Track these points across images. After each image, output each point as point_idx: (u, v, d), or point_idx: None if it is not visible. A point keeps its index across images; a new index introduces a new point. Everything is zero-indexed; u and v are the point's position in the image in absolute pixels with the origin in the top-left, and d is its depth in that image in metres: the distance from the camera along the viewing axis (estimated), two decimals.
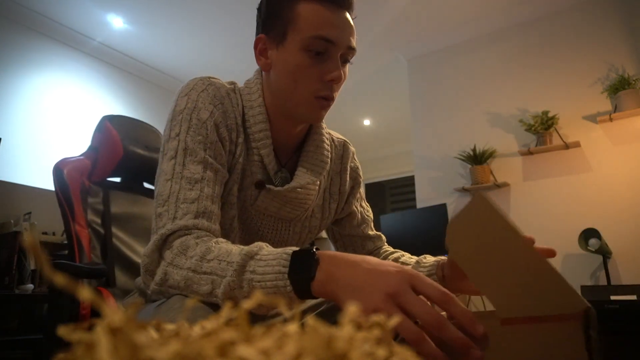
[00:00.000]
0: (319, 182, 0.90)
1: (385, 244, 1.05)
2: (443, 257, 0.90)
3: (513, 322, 0.47)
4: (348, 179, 0.98)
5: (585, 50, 3.16)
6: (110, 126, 1.19)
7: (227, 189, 0.80)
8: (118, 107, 4.06)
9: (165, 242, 0.66)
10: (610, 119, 2.90)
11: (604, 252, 2.70)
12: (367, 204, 1.07)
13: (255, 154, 0.81)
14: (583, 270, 2.92)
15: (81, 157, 1.17)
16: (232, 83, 0.85)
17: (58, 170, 1.10)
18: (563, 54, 3.24)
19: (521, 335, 0.46)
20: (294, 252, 0.57)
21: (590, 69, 3.12)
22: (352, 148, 1.01)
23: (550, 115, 3.08)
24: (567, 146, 3.05)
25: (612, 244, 2.76)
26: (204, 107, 0.76)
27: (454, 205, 3.46)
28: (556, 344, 0.45)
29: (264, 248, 0.60)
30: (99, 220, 1.14)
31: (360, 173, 1.03)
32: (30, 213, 2.91)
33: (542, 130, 3.09)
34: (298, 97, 0.79)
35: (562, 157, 3.11)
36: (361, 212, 1.03)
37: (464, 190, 3.39)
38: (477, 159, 3.30)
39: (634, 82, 2.87)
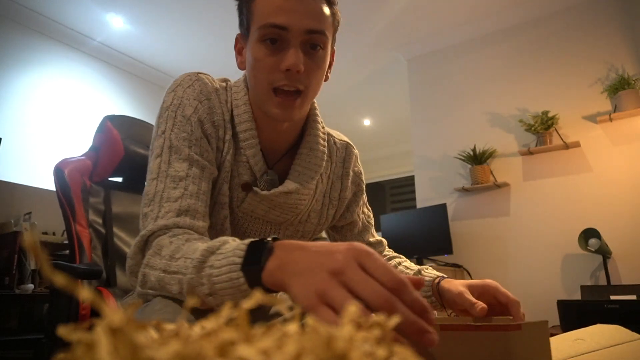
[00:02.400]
0: (313, 187, 0.86)
1: (387, 248, 1.02)
2: (444, 276, 0.84)
3: (450, 328, 0.49)
4: (350, 184, 0.94)
5: (585, 50, 3.16)
6: (111, 126, 1.19)
7: (217, 189, 0.78)
8: (118, 107, 4.06)
9: (146, 243, 0.65)
10: (610, 119, 2.90)
11: (604, 252, 2.71)
12: (369, 208, 1.03)
13: (242, 154, 0.79)
14: (583, 270, 2.92)
15: (82, 158, 1.17)
16: (225, 80, 0.83)
17: (59, 171, 1.10)
18: (563, 54, 3.24)
19: (457, 340, 0.49)
20: (251, 242, 0.52)
21: (590, 69, 3.12)
22: (355, 151, 0.97)
23: (550, 115, 3.08)
24: (567, 146, 3.05)
25: (612, 244, 2.76)
26: (188, 103, 0.75)
27: (454, 205, 3.46)
28: (483, 349, 0.48)
29: (228, 242, 0.55)
30: (100, 220, 1.14)
31: (363, 178, 0.99)
32: (30, 213, 2.91)
33: (542, 130, 3.09)
34: (259, 90, 0.75)
35: (562, 157, 3.11)
36: (362, 220, 0.99)
37: (464, 190, 3.39)
38: (477, 158, 3.30)
39: (633, 82, 2.86)
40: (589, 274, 2.91)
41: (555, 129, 3.11)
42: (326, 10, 0.75)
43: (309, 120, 0.86)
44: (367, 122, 5.67)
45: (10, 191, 2.99)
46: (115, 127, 1.20)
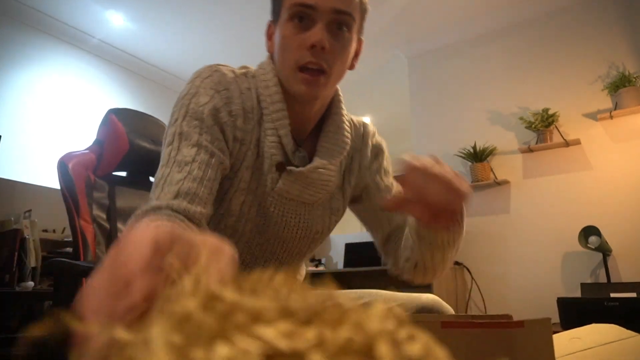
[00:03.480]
0: (339, 163, 0.87)
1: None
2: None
3: (452, 325, 0.49)
4: (369, 154, 0.93)
5: (586, 47, 3.16)
6: (116, 119, 1.18)
7: (239, 178, 0.77)
8: (118, 104, 4.05)
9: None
10: (611, 117, 2.90)
11: (604, 250, 2.71)
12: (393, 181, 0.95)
13: (271, 134, 0.78)
14: (583, 268, 2.92)
15: (86, 151, 1.16)
16: (245, 67, 0.85)
17: (62, 165, 1.09)
18: (563, 51, 3.24)
19: (459, 337, 0.49)
20: None
21: (590, 66, 3.12)
22: (372, 128, 0.98)
23: (550, 112, 3.08)
24: (567, 144, 3.05)
25: (612, 241, 2.76)
26: (204, 92, 0.75)
27: None
28: (485, 347, 0.48)
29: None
30: (104, 215, 1.14)
31: (384, 148, 0.97)
32: (30, 210, 2.90)
33: (542, 127, 3.09)
34: (286, 69, 0.77)
35: (562, 154, 3.11)
36: (379, 184, 0.91)
37: None
38: (478, 156, 3.30)
39: (634, 80, 2.87)
40: (589, 271, 2.91)
41: (556, 127, 3.11)
42: None
43: (334, 101, 0.87)
44: (367, 119, 5.62)
45: (10, 189, 2.98)
46: (120, 120, 1.19)
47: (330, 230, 0.92)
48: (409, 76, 3.97)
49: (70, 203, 1.06)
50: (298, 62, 0.74)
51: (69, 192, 1.06)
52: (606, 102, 3.01)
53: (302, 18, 0.74)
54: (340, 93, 0.90)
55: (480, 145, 3.33)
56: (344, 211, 0.93)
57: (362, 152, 0.92)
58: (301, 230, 0.85)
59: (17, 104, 3.33)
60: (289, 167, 0.78)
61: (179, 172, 0.67)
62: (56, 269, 0.97)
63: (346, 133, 0.86)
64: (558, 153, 3.13)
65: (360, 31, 0.85)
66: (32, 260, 2.62)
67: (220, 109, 0.75)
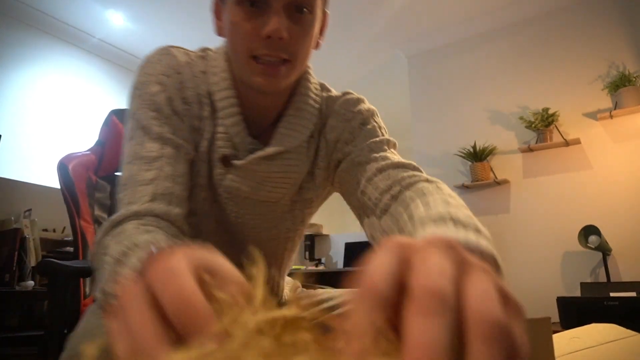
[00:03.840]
0: (303, 150, 0.73)
1: (418, 172, 0.69)
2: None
3: None
4: (339, 122, 0.76)
5: (586, 47, 3.16)
6: (117, 120, 1.18)
7: (196, 170, 0.70)
8: (118, 104, 4.05)
9: (113, 228, 0.55)
10: (611, 116, 2.91)
11: (604, 249, 2.71)
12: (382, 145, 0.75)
13: (221, 124, 0.69)
14: (583, 267, 2.92)
15: (87, 152, 1.16)
16: (204, 50, 0.76)
17: (62, 166, 1.09)
18: (563, 51, 3.24)
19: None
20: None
21: (590, 66, 3.12)
22: (354, 96, 0.80)
23: (550, 112, 3.08)
24: (567, 143, 3.05)
25: (612, 241, 2.76)
26: (155, 79, 0.67)
27: None
28: None
29: (132, 254, 0.46)
30: (106, 216, 1.14)
31: (370, 116, 0.78)
32: (30, 210, 2.90)
33: (542, 127, 3.09)
34: (239, 59, 0.66)
35: (562, 154, 3.11)
36: (358, 159, 0.71)
37: (464, 187, 3.39)
38: (477, 156, 3.30)
39: (634, 79, 2.87)
40: (588, 271, 2.91)
41: (556, 126, 3.11)
42: None
43: (300, 80, 0.74)
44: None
45: (10, 188, 2.98)
46: (121, 121, 1.19)
47: (305, 224, 0.81)
48: (409, 76, 3.97)
49: (71, 204, 1.06)
50: (251, 52, 0.64)
51: (69, 193, 1.06)
52: (606, 102, 3.01)
53: (254, 1, 0.62)
54: (310, 68, 0.77)
55: (480, 145, 3.34)
56: (320, 200, 0.81)
57: (337, 128, 0.75)
58: (267, 231, 0.76)
59: (17, 103, 3.33)
60: (233, 161, 0.69)
61: (148, 170, 0.61)
62: (48, 269, 0.97)
63: (310, 110, 0.73)
64: (558, 153, 3.13)
65: (324, 4, 0.71)
66: (32, 260, 2.62)
67: (174, 97, 0.67)
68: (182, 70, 0.70)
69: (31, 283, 2.58)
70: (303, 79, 0.75)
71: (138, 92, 0.67)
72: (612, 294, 2.39)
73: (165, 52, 0.71)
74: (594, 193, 2.97)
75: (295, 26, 0.63)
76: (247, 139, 0.70)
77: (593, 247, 2.70)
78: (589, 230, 2.74)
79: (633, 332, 0.71)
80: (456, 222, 0.43)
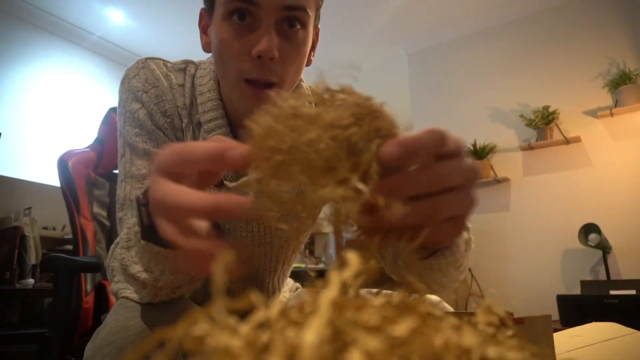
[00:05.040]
0: None
1: None
2: None
3: None
4: None
5: (586, 45, 3.15)
6: (117, 118, 1.18)
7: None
8: (117, 101, 4.05)
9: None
10: (611, 114, 2.90)
11: (604, 247, 2.71)
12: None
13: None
14: (583, 265, 2.92)
15: (86, 150, 1.16)
16: (185, 62, 0.73)
17: (62, 163, 1.09)
18: (564, 48, 3.23)
19: None
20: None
21: (591, 63, 3.11)
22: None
23: (550, 110, 3.08)
24: (567, 141, 3.05)
25: (612, 239, 2.76)
26: (134, 96, 0.67)
27: None
28: None
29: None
30: (104, 213, 1.14)
31: None
32: (30, 208, 2.91)
33: (542, 125, 3.09)
34: (228, 80, 0.63)
35: (562, 152, 3.11)
36: None
37: None
38: (478, 153, 3.30)
39: (634, 77, 2.86)
40: (588, 269, 2.91)
41: (556, 124, 3.11)
42: None
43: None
44: None
45: (10, 186, 2.98)
46: None
47: (304, 232, 0.80)
48: (409, 73, 3.96)
49: (71, 201, 1.06)
50: (241, 74, 0.61)
51: (69, 190, 1.06)
52: (606, 100, 3.01)
53: (243, 15, 0.59)
54: (303, 79, 0.75)
55: (480, 143, 3.33)
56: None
57: None
58: (262, 247, 0.74)
59: (16, 101, 3.33)
60: (225, 182, 0.66)
61: (140, 188, 0.61)
62: (54, 264, 0.97)
63: None
64: (558, 150, 3.13)
65: (316, 20, 0.68)
66: (33, 258, 2.63)
67: (153, 112, 0.67)
68: (159, 83, 0.68)
69: (31, 281, 2.59)
70: (294, 92, 0.72)
71: (122, 110, 0.68)
72: (612, 292, 2.39)
73: (142, 66, 0.69)
74: (594, 191, 2.97)
75: (286, 44, 0.61)
76: None
77: (593, 245, 2.70)
78: (589, 228, 2.74)
79: (633, 330, 0.71)
80: None
